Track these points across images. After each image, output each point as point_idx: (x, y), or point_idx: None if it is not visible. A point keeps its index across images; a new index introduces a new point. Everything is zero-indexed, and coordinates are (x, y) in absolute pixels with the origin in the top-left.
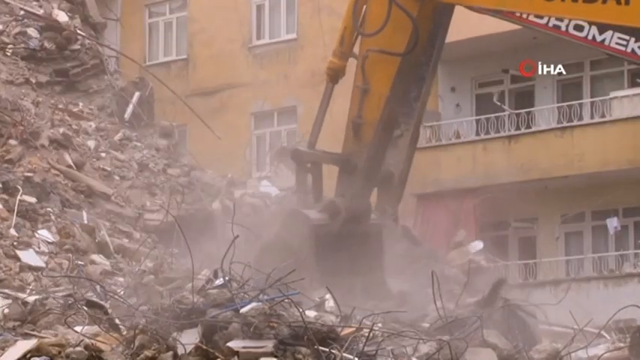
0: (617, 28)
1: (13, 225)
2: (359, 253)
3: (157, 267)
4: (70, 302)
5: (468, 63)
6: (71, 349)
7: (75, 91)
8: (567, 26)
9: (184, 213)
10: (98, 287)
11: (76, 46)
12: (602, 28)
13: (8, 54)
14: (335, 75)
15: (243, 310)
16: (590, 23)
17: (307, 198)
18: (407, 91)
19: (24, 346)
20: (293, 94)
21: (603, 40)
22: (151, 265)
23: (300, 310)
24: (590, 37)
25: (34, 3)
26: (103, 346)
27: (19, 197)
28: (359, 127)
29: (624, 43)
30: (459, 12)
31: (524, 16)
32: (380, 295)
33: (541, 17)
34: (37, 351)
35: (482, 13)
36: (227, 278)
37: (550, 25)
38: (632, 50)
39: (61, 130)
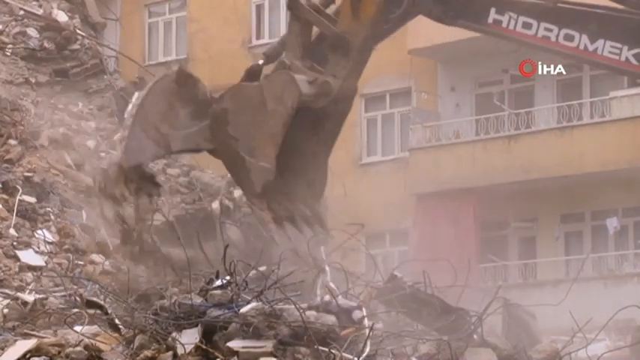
0: (609, 37)
1: (12, 225)
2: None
3: None
4: (69, 301)
5: (468, 63)
6: (71, 349)
7: (74, 90)
8: (557, 36)
9: (184, 213)
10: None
11: (76, 46)
12: (594, 37)
13: (8, 54)
14: None
15: (242, 311)
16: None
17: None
18: None
19: (23, 346)
20: None
21: (595, 50)
22: None
23: (300, 310)
24: (581, 47)
25: (34, 3)
26: (102, 346)
27: (18, 197)
28: (358, 4)
29: (617, 51)
30: None
31: (512, 27)
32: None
33: (529, 28)
34: (36, 351)
35: (458, 26)
36: (227, 279)
37: (539, 35)
38: (627, 59)
39: (61, 130)
